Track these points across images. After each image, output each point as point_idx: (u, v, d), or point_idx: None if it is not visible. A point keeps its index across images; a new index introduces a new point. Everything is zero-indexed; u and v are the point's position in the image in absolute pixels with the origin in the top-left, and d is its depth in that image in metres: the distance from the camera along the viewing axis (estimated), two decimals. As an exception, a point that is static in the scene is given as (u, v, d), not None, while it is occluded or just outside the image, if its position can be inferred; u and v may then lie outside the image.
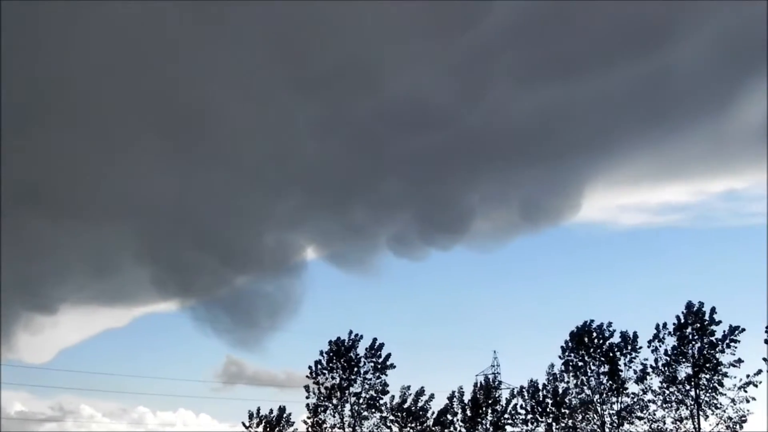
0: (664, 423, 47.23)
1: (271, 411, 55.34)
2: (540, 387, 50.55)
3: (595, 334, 49.99)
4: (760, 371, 45.17)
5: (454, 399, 52.22)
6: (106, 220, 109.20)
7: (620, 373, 48.57)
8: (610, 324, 49.97)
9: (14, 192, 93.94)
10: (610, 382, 48.66)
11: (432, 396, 52.46)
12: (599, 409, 48.87)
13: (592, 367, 49.44)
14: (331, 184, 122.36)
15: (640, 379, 48.13)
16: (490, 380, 54.90)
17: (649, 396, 47.82)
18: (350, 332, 53.53)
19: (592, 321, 50.52)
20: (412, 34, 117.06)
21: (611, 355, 49.05)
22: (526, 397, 50.81)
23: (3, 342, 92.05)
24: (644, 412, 47.79)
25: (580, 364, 49.89)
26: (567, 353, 50.48)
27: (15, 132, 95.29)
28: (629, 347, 48.85)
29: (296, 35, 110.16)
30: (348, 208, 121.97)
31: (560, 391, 49.83)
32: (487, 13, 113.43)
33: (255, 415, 55.48)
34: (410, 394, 52.46)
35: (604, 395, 48.95)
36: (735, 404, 45.56)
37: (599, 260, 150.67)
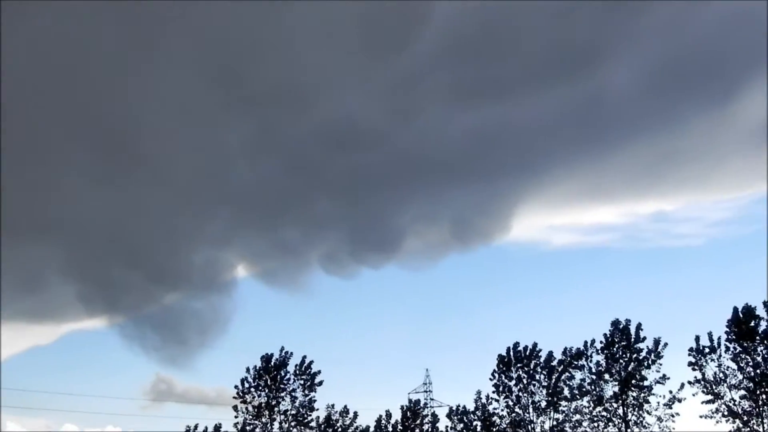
0: (593, 438, 47.67)
1: (206, 429, 54.59)
2: (470, 410, 50.57)
3: (531, 354, 50.43)
4: (683, 386, 46.30)
5: (381, 420, 51.77)
6: (31, 236, 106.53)
7: (557, 390, 48.88)
8: (535, 345, 50.75)
9: None
10: (545, 399, 48.90)
11: (356, 414, 51.98)
12: (531, 427, 48.86)
13: (526, 385, 49.67)
14: (263, 203, 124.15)
15: (574, 397, 48.51)
16: (417, 402, 54.46)
17: (577, 417, 48.25)
18: (282, 348, 52.64)
19: (518, 343, 51.24)
20: (344, 56, 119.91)
21: (548, 373, 49.47)
22: (455, 421, 50.55)
23: None
24: (575, 430, 48.10)
25: (511, 384, 49.99)
26: (498, 375, 50.56)
27: None
28: (565, 366, 49.41)
29: (229, 56, 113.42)
30: (279, 227, 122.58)
31: (490, 411, 49.70)
32: (419, 36, 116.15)
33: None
34: (335, 412, 51.81)
35: (537, 413, 49.07)
36: (662, 422, 46.38)
37: (530, 279, 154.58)
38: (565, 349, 49.65)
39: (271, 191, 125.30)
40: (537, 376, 49.54)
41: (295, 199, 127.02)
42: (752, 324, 45.87)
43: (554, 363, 49.35)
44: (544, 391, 48.98)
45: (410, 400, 54.26)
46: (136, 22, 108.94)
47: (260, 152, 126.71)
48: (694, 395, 46.21)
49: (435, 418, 52.50)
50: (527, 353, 50.11)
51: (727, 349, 46.23)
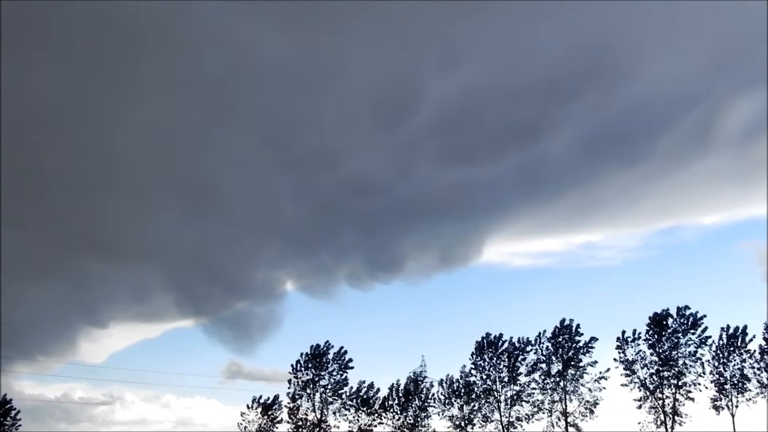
0: (543, 404, 65.44)
1: (268, 398, 73.19)
2: (454, 380, 69.03)
3: (498, 342, 68.57)
4: (608, 369, 63.99)
5: (393, 389, 70.50)
6: (141, 261, 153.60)
7: (516, 367, 66.86)
8: (500, 335, 69.11)
9: (77, 242, 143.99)
10: (507, 374, 66.85)
11: (378, 389, 70.85)
12: (497, 394, 66.96)
13: (494, 364, 67.81)
14: (303, 235, 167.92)
15: (529, 372, 66.45)
16: (419, 375, 72.33)
17: (533, 384, 66.08)
18: (326, 342, 71.79)
19: (489, 333, 69.70)
20: (361, 129, 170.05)
21: (509, 355, 67.51)
22: (444, 388, 69.24)
23: (69, 347, 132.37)
24: (529, 396, 65.86)
25: (485, 364, 68.25)
26: (475, 356, 68.95)
27: (78, 200, 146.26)
28: (521, 350, 67.38)
29: (278, 129, 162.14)
30: (315, 253, 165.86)
31: (470, 381, 68.08)
32: (414, 116, 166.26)
33: (256, 401, 73.05)
34: (364, 387, 70.73)
35: (502, 384, 67.07)
36: (591, 392, 64.12)
37: (497, 291, 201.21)
38: (519, 338, 67.89)
39: (309, 227, 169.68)
40: (502, 357, 67.54)
41: (326, 233, 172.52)
42: (664, 323, 63.45)
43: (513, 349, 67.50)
44: (506, 369, 66.94)
45: (415, 374, 72.04)
46: (213, 104, 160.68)
47: (301, 198, 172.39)
48: (616, 368, 64.18)
49: (431, 386, 70.88)
50: (495, 341, 68.37)
51: (645, 339, 63.72)
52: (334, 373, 70.70)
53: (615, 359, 64.35)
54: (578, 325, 65.76)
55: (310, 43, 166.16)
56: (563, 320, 66.49)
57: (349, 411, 69.63)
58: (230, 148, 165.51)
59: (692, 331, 62.27)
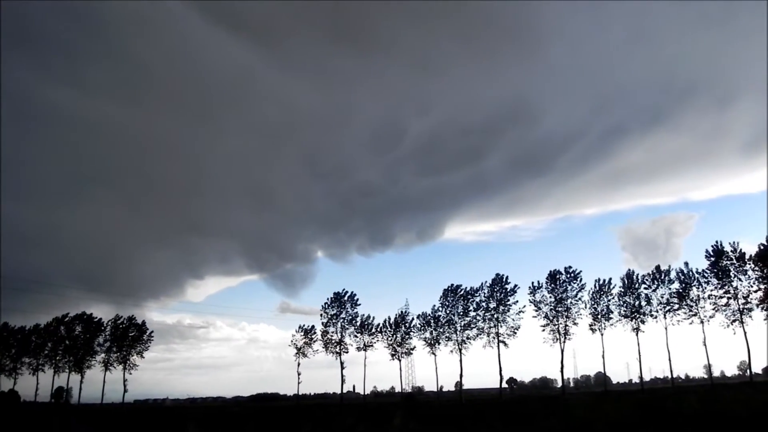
0: (483, 329, 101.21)
1: (307, 326, 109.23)
2: (427, 315, 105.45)
3: (457, 290, 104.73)
4: (525, 306, 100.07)
5: (386, 321, 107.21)
6: (226, 238, 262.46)
7: (467, 306, 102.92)
8: (460, 285, 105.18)
9: (185, 226, 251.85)
10: (462, 310, 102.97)
11: (374, 318, 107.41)
12: (455, 324, 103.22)
13: (454, 304, 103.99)
14: (329, 222, 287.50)
15: (475, 309, 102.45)
16: (404, 312, 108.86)
17: (477, 317, 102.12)
18: (343, 289, 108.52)
19: (452, 284, 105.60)
20: (366, 151, 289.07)
21: (463, 298, 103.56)
22: (420, 320, 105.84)
23: (180, 291, 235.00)
24: (475, 324, 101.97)
25: (448, 303, 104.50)
26: (443, 298, 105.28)
27: (188, 201, 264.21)
28: (471, 295, 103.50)
29: (314, 153, 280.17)
30: (335, 233, 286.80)
31: (438, 315, 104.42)
32: (401, 144, 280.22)
33: (300, 328, 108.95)
34: (366, 318, 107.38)
35: (458, 317, 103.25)
36: (514, 321, 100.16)
37: (454, 257, 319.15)
38: (470, 287, 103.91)
39: (332, 217, 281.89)
40: (459, 299, 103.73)
41: (343, 221, 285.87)
42: (557, 277, 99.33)
43: (466, 294, 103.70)
44: (461, 307, 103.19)
45: (401, 311, 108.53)
46: (272, 138, 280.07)
47: (327, 198, 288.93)
48: (530, 304, 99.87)
49: (412, 319, 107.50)
50: (455, 289, 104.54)
51: (546, 287, 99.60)
52: (349, 309, 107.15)
53: (529, 300, 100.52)
54: (507, 277, 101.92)
55: (334, 97, 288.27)
56: (498, 274, 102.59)
57: (359, 334, 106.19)
58: (282, 167, 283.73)
59: (575, 281, 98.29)
